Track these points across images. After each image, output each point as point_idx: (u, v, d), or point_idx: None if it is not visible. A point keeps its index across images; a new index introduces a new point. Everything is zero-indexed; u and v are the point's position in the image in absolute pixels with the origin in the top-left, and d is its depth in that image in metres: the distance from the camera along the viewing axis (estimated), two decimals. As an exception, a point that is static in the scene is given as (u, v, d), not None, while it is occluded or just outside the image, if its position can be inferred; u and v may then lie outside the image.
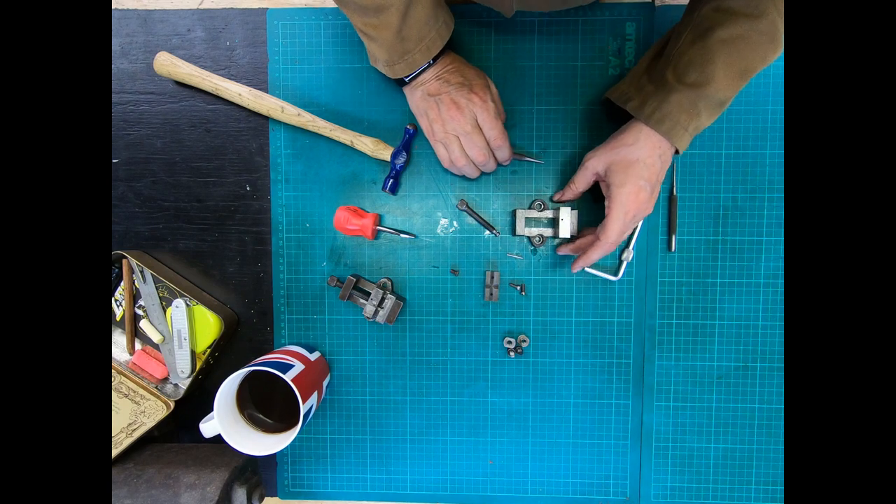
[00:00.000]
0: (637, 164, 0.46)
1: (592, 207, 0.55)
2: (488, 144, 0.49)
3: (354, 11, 0.43)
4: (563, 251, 0.54)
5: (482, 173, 0.53)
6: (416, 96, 0.50)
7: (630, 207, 0.46)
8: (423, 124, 0.50)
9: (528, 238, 0.55)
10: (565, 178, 0.55)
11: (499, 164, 0.53)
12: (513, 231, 0.55)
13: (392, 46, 0.44)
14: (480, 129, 0.48)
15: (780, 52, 0.42)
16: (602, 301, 0.56)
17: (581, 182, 0.50)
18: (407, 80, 0.48)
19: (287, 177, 0.56)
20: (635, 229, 0.54)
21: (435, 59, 0.47)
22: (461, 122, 0.47)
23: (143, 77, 0.56)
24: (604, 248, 0.48)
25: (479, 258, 0.56)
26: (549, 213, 0.54)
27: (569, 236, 0.53)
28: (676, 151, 0.47)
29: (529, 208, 0.55)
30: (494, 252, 0.56)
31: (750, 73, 0.43)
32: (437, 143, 0.50)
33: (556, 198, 0.54)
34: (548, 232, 0.55)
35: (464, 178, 0.55)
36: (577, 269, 0.51)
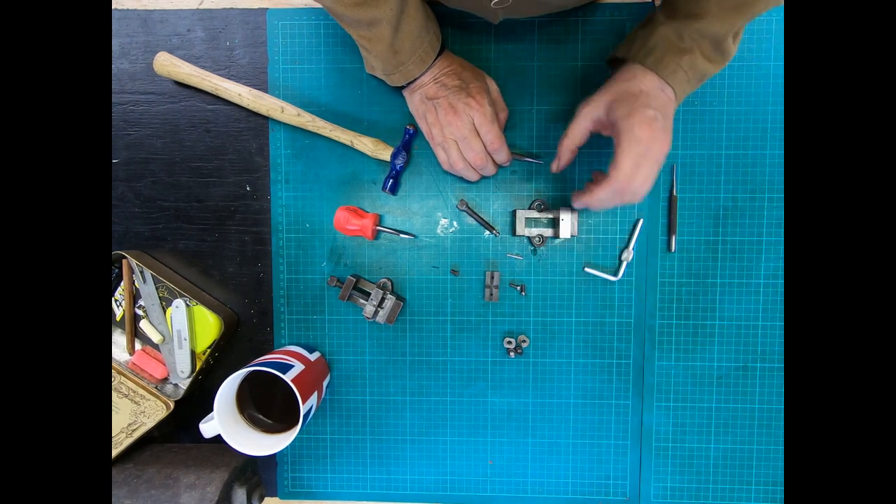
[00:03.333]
0: (642, 95, 0.41)
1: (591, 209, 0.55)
2: (486, 148, 0.49)
3: (349, 25, 0.44)
4: (578, 202, 0.47)
5: (482, 176, 0.53)
6: (414, 100, 0.50)
7: (643, 135, 0.39)
8: (423, 127, 0.51)
9: (529, 238, 0.55)
10: (565, 178, 0.55)
11: (498, 166, 0.53)
12: (513, 231, 0.55)
13: (386, 58, 0.45)
14: (478, 132, 0.48)
15: None
16: (602, 301, 0.56)
17: (576, 132, 0.45)
18: (405, 84, 0.49)
19: (287, 177, 0.56)
20: (635, 230, 0.54)
21: (432, 64, 0.47)
22: (458, 127, 0.47)
23: (143, 77, 0.56)
24: (614, 186, 0.41)
25: (479, 258, 0.56)
26: (549, 214, 0.54)
27: (569, 236, 0.53)
28: (676, 96, 0.43)
29: (529, 208, 0.55)
30: (494, 252, 0.56)
31: (747, 10, 0.39)
32: (436, 147, 0.50)
33: (553, 167, 0.49)
34: (548, 232, 0.55)
35: (464, 179, 0.55)
36: (578, 204, 0.46)
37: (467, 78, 0.48)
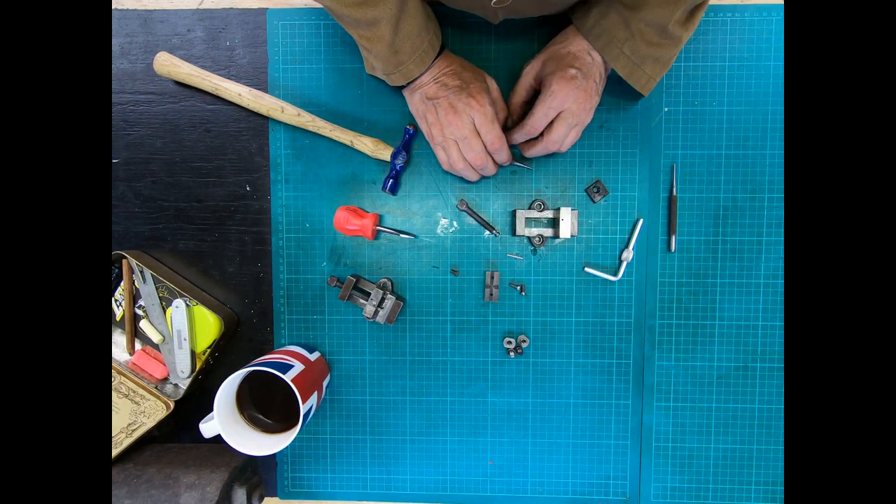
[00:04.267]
0: (568, 56, 0.46)
1: (593, 208, 0.55)
2: (486, 148, 0.49)
3: (349, 25, 0.44)
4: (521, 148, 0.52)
5: (482, 176, 0.53)
6: (415, 99, 0.50)
7: (558, 90, 0.45)
8: (423, 127, 0.51)
9: (529, 238, 0.55)
10: (565, 178, 0.55)
11: (499, 166, 0.52)
12: (513, 231, 0.55)
13: (386, 58, 0.45)
14: (478, 133, 0.48)
15: None
16: (602, 301, 0.56)
17: (521, 88, 0.50)
18: (405, 84, 0.49)
19: (287, 177, 0.56)
20: (635, 230, 0.54)
21: (432, 64, 0.47)
22: (459, 127, 0.47)
23: (143, 77, 0.56)
24: (527, 130, 0.48)
25: (479, 258, 0.56)
26: (549, 214, 0.54)
27: (569, 236, 0.53)
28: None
29: (529, 208, 0.55)
30: (494, 252, 0.56)
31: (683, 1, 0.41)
32: (437, 147, 0.50)
33: (514, 137, 0.51)
34: (548, 232, 0.55)
35: (464, 179, 0.55)
36: (520, 146, 0.52)
37: (468, 78, 0.48)
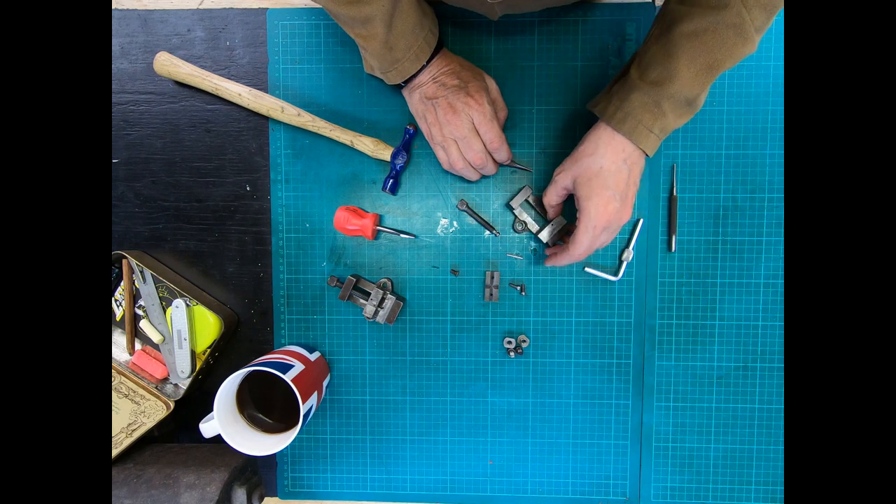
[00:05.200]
0: (601, 174, 0.44)
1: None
2: (486, 147, 0.49)
3: (345, 23, 0.44)
4: (547, 262, 0.52)
5: (483, 175, 0.53)
6: (413, 99, 0.50)
7: (598, 221, 0.45)
8: (423, 127, 0.51)
9: (514, 216, 0.54)
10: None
11: (499, 165, 0.52)
12: (507, 203, 0.55)
13: (382, 56, 0.45)
14: (478, 132, 0.48)
15: (752, 47, 0.41)
16: (602, 301, 0.56)
17: (553, 196, 0.49)
18: (403, 84, 0.49)
19: (287, 177, 0.56)
20: (635, 230, 0.54)
21: (429, 61, 0.47)
22: (458, 127, 0.47)
23: (143, 77, 0.56)
24: (570, 257, 0.48)
25: (479, 258, 0.56)
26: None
27: (545, 242, 0.54)
28: (647, 155, 0.45)
29: (538, 197, 0.55)
30: (494, 252, 0.56)
31: (717, 69, 0.41)
32: (437, 147, 0.50)
33: (549, 215, 0.53)
34: (534, 227, 0.54)
35: (464, 178, 0.55)
36: (548, 263, 0.52)
37: (466, 77, 0.48)
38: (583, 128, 0.55)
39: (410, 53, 0.45)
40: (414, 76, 0.48)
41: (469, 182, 0.55)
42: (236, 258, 0.57)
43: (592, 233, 0.45)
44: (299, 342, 0.57)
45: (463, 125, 0.47)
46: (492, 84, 0.51)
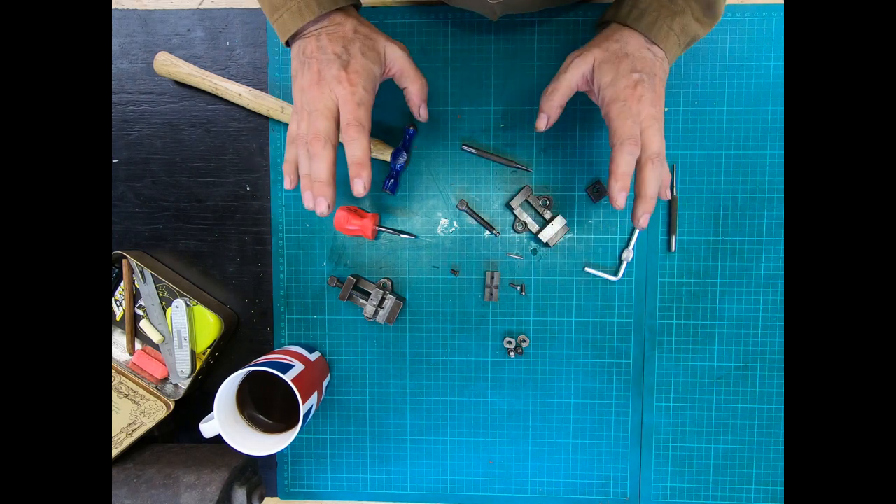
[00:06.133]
0: (627, 58, 0.40)
1: (593, 208, 0.55)
2: (336, 133, 0.41)
3: None
4: (619, 197, 0.41)
5: (309, 191, 0.42)
6: (293, 51, 0.43)
7: (630, 100, 0.39)
8: (292, 84, 0.43)
9: (514, 216, 0.54)
10: (565, 178, 0.55)
11: (329, 199, 0.42)
12: (507, 203, 0.55)
13: (263, 4, 0.40)
14: (336, 115, 0.40)
15: None
16: (602, 301, 0.56)
17: (566, 85, 0.43)
18: (287, 40, 0.43)
19: (287, 177, 0.56)
20: (635, 230, 0.54)
21: (317, 21, 0.41)
22: (316, 97, 0.40)
23: (143, 77, 0.56)
24: (629, 149, 0.39)
25: (479, 258, 0.56)
26: (547, 214, 0.54)
27: (545, 242, 0.54)
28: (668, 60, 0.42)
29: (537, 197, 0.54)
30: (494, 252, 0.56)
31: None
32: (293, 113, 0.43)
33: (540, 125, 0.46)
34: (534, 227, 0.54)
35: (465, 177, 0.55)
36: (621, 198, 0.40)
37: (355, 51, 0.41)
38: (583, 128, 0.55)
39: (291, 4, 0.40)
40: (295, 34, 0.41)
41: (470, 182, 0.55)
42: (236, 258, 0.57)
43: (629, 112, 0.39)
44: (299, 342, 0.57)
45: (321, 99, 0.40)
46: (396, 54, 0.44)
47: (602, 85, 0.41)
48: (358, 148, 0.40)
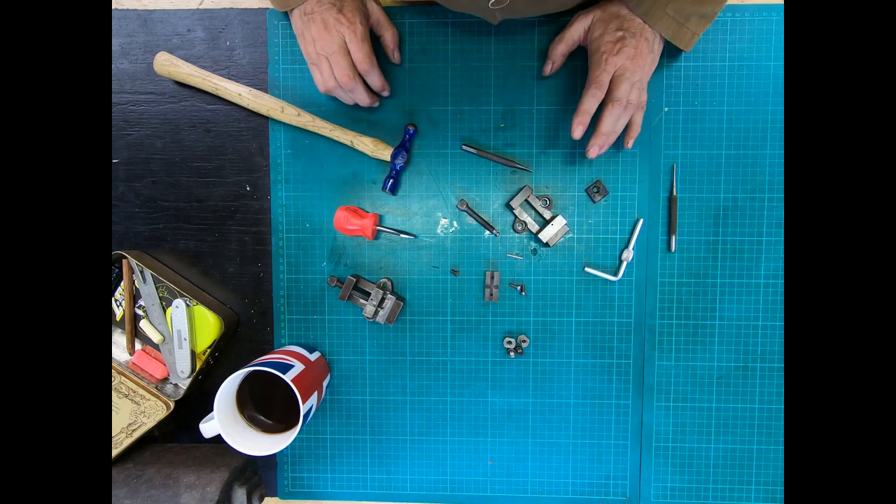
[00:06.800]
0: (619, 18, 0.46)
1: (593, 208, 0.55)
2: (357, 68, 0.49)
3: None
4: (593, 148, 0.49)
5: (357, 104, 0.52)
6: (294, 16, 0.49)
7: (609, 53, 0.46)
8: (301, 47, 0.50)
9: (514, 216, 0.55)
10: (565, 178, 0.55)
11: (375, 98, 0.53)
12: (507, 203, 0.55)
13: None
14: (347, 50, 0.48)
15: None
16: (602, 301, 0.56)
17: (569, 37, 0.50)
18: (284, 10, 0.49)
19: (287, 177, 0.56)
20: (635, 230, 0.54)
21: None
22: (328, 42, 0.47)
23: (143, 77, 0.56)
24: (592, 92, 0.46)
25: (479, 258, 0.56)
26: (547, 214, 0.54)
27: (545, 242, 0.54)
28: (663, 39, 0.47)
29: (538, 197, 0.55)
30: (494, 252, 0.56)
31: None
32: (312, 66, 0.50)
33: (546, 69, 0.52)
34: (534, 227, 0.54)
35: (465, 177, 0.55)
36: (594, 150, 0.49)
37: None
38: (583, 128, 0.55)
39: None
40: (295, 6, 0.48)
41: (469, 182, 0.55)
42: (236, 258, 0.57)
43: (605, 62, 0.46)
44: (299, 342, 0.57)
45: (332, 41, 0.47)
46: (373, 6, 0.51)
47: (592, 38, 0.48)
48: (374, 79, 0.50)
